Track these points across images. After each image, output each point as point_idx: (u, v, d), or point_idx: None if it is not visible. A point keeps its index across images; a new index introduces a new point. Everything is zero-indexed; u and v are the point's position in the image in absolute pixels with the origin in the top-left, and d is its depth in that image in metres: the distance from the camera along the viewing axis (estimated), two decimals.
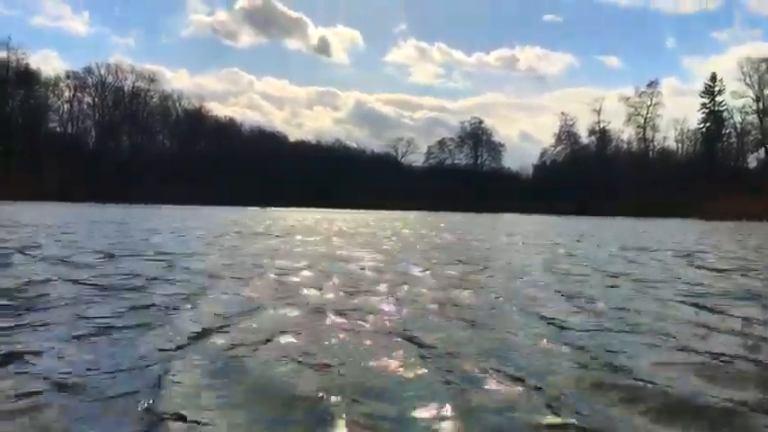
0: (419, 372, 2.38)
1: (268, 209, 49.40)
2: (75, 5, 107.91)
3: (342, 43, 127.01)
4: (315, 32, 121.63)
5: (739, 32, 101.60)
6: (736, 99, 70.88)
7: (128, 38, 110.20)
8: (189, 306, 3.75)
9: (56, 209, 29.44)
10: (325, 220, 23.67)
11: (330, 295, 4.35)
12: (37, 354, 2.52)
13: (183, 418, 1.85)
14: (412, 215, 41.57)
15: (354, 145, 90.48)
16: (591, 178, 72.61)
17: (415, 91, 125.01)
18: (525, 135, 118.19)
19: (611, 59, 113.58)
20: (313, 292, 4.48)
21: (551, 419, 1.90)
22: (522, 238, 14.58)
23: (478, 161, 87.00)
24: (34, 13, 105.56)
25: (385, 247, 9.84)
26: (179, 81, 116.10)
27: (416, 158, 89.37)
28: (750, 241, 14.93)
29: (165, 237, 11.07)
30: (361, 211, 51.65)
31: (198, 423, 1.82)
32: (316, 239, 11.28)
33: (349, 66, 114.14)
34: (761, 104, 69.50)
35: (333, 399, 2.04)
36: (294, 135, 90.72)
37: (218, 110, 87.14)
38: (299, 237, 12.04)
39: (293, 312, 3.63)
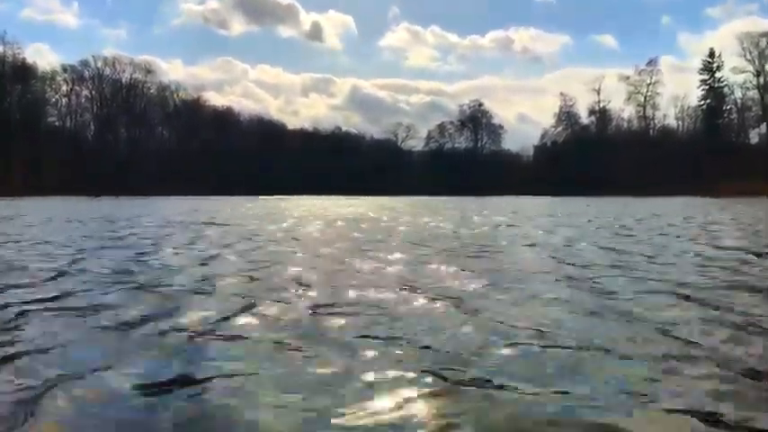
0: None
1: (260, 197, 49.38)
2: None
3: (334, 29, 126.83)
4: (307, 18, 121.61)
5: (733, 8, 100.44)
6: (737, 74, 69.90)
7: (119, 29, 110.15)
8: None
9: (42, 203, 29.63)
10: (299, 208, 23.70)
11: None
12: None
13: None
14: (403, 201, 41.50)
15: (354, 131, 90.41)
16: (592, 158, 72.18)
17: (411, 75, 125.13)
18: (523, 117, 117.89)
19: (606, 38, 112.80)
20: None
21: None
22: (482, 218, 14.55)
23: (479, 144, 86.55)
24: (24, 6, 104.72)
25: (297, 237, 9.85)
26: (174, 72, 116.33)
27: (416, 143, 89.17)
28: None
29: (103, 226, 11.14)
30: (363, 197, 51.28)
31: None
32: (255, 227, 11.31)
33: (342, 52, 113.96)
34: (761, 79, 68.54)
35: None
36: (291, 123, 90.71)
37: (215, 99, 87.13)
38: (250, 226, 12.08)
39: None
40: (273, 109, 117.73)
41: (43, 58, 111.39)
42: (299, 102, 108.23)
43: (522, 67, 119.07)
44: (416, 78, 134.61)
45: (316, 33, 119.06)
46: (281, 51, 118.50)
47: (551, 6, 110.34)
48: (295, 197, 51.18)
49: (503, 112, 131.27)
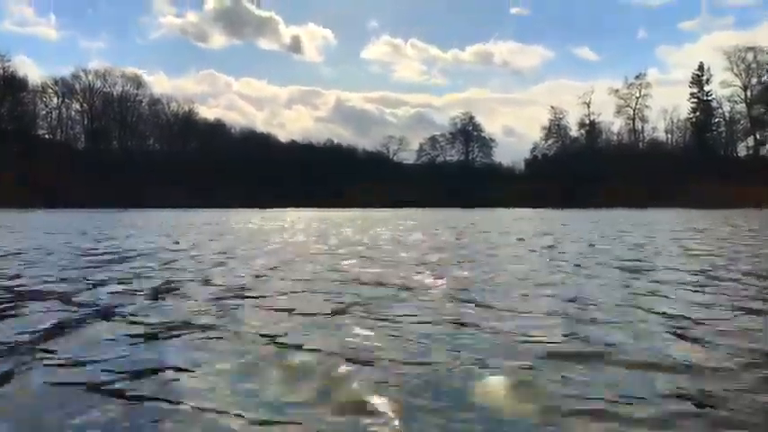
0: None
1: (256, 210, 49.21)
2: (39, 9, 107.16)
3: (314, 41, 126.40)
4: (287, 32, 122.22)
5: (708, 22, 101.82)
6: (725, 88, 70.96)
7: (98, 41, 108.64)
8: None
9: (26, 217, 29.41)
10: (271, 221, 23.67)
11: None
12: None
13: None
14: (396, 213, 41.55)
15: (346, 144, 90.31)
16: (582, 171, 72.55)
17: (399, 88, 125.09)
18: (508, 130, 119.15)
19: (585, 51, 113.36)
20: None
21: None
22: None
23: (470, 157, 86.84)
24: (2, 19, 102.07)
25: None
26: (158, 85, 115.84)
27: (407, 156, 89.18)
28: None
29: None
30: (357, 210, 51.09)
31: None
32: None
33: (323, 64, 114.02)
34: (748, 93, 69.62)
35: None
36: (279, 135, 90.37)
37: (202, 112, 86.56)
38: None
39: None
40: (259, 122, 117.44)
41: (26, 70, 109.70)
42: (285, 114, 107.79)
43: (504, 81, 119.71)
44: (404, 92, 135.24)
45: (296, 46, 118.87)
46: (262, 64, 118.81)
47: (526, 18, 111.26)
48: (282, 210, 51.06)
49: (488, 125, 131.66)
